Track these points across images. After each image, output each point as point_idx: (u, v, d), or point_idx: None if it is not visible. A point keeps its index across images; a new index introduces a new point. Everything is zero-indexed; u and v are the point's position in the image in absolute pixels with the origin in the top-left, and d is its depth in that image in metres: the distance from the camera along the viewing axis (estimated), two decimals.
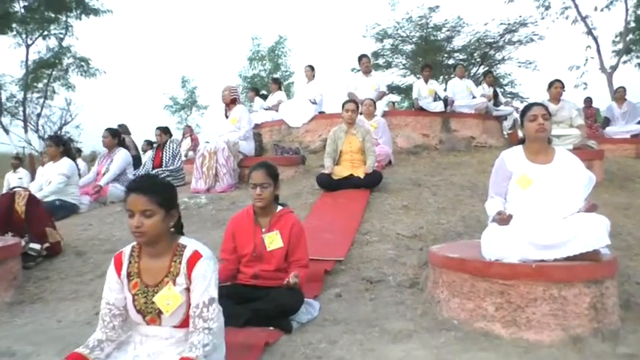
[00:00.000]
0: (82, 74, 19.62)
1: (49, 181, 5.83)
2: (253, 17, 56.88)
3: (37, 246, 4.03)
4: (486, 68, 18.99)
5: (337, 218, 4.76)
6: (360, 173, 5.60)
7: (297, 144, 8.68)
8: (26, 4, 18.31)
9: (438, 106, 8.72)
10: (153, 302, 2.03)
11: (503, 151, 3.25)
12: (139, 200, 1.98)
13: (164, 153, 7.37)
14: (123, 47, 54.15)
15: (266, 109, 9.91)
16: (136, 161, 8.71)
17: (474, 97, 9.29)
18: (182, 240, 2.12)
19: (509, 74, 22.79)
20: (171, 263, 2.06)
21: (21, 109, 19.50)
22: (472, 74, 20.40)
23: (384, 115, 8.29)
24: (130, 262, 2.10)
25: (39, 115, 19.79)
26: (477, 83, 10.95)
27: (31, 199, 4.19)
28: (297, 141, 8.87)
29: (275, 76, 21.67)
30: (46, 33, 19.06)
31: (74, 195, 5.95)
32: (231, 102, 6.51)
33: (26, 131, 19.27)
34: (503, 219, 2.90)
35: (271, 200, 3.07)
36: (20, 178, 11.58)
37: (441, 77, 20.64)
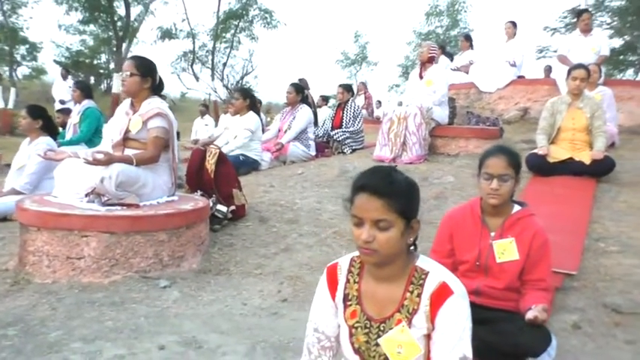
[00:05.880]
0: (265, 26, 20.44)
1: (235, 135, 5.77)
2: None
3: (223, 208, 3.84)
4: None
5: (558, 214, 3.83)
6: (583, 157, 4.54)
7: (488, 111, 7.68)
8: None
9: None
10: (377, 344, 1.48)
11: None
12: (372, 205, 1.38)
13: (345, 113, 6.95)
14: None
15: (454, 70, 8.93)
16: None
17: None
18: (421, 262, 1.51)
19: None
20: (406, 294, 1.47)
21: (210, 57, 21.03)
22: None
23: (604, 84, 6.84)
24: (347, 281, 1.56)
25: (225, 65, 21.21)
26: None
27: (221, 158, 3.99)
28: (489, 108, 7.84)
29: (466, 33, 20.05)
30: None
31: (257, 151, 5.83)
32: (428, 61, 5.73)
33: (213, 79, 20.80)
34: None
35: (509, 197, 2.33)
36: (206, 125, 12.31)
37: None
